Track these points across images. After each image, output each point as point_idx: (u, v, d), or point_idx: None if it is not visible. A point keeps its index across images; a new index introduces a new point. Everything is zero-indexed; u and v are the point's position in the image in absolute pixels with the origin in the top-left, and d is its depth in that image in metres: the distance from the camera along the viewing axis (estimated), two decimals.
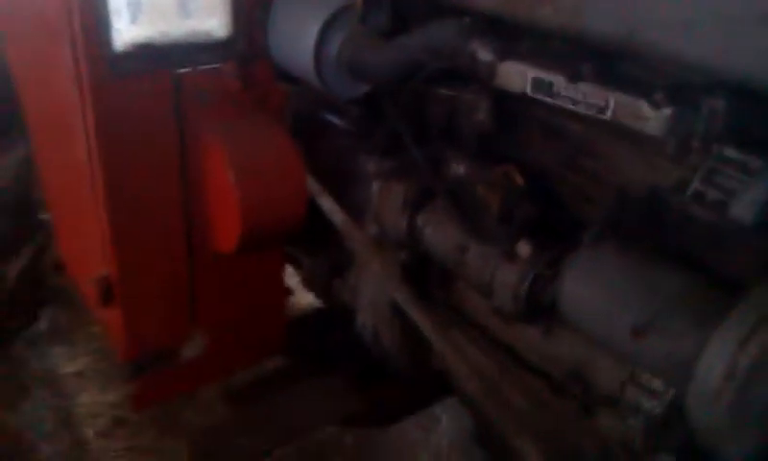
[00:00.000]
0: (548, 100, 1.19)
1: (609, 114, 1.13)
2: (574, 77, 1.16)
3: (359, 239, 1.54)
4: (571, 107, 1.16)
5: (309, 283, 1.96)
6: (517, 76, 1.23)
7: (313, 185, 1.69)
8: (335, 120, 1.85)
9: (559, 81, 1.18)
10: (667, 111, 1.09)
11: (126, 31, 1.41)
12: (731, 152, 1.07)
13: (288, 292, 1.95)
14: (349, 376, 1.84)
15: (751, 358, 0.86)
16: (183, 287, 1.69)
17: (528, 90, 1.21)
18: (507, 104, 1.30)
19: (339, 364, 1.86)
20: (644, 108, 1.10)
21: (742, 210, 1.06)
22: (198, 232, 1.65)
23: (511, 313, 1.37)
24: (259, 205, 1.55)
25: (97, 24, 1.38)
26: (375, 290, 1.62)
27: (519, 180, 1.30)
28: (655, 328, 1.00)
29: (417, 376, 1.73)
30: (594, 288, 1.12)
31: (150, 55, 1.44)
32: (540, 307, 1.34)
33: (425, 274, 1.60)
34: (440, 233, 1.49)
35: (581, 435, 1.33)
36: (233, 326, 1.82)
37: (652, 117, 1.10)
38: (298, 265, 2.00)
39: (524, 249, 1.27)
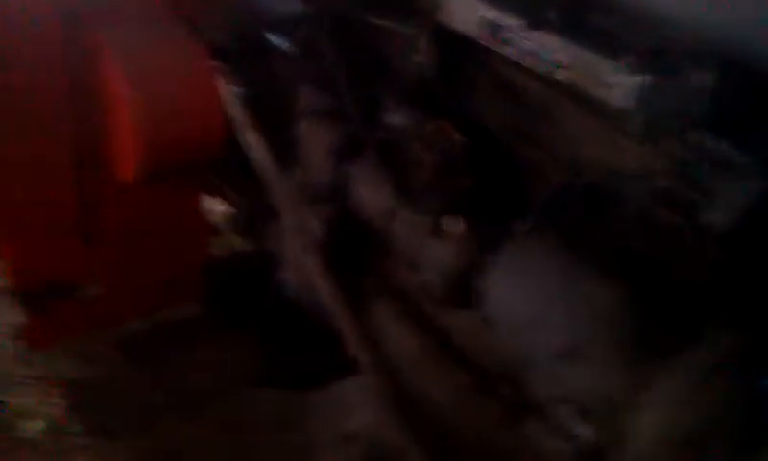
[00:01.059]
0: (498, 47, 0.95)
1: (565, 74, 0.90)
2: (534, 23, 0.92)
3: (278, 186, 1.32)
4: (521, 60, 0.92)
5: (236, 223, 1.74)
6: (465, 12, 0.98)
7: (237, 113, 1.45)
8: (279, 41, 1.60)
9: (513, 25, 0.93)
10: (637, 79, 0.85)
11: None
12: (711, 142, 0.84)
13: (209, 231, 1.73)
14: (268, 336, 1.64)
15: (692, 422, 0.66)
16: (73, 217, 1.47)
17: (476, 32, 0.97)
18: (452, 46, 1.05)
19: (258, 320, 1.66)
20: (608, 71, 0.87)
21: (717, 216, 0.84)
22: (96, 158, 1.42)
23: (437, 296, 1.16)
24: (161, 126, 1.32)
25: None
26: (299, 242, 1.41)
27: (455, 139, 1.07)
28: (579, 354, 0.80)
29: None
30: (517, 292, 0.91)
31: None
32: (471, 294, 1.14)
33: (353, 234, 1.39)
34: (368, 191, 1.26)
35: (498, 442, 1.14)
36: (140, 265, 1.61)
37: (616, 84, 0.86)
38: (226, 199, 1.78)
39: (456, 225, 1.05)
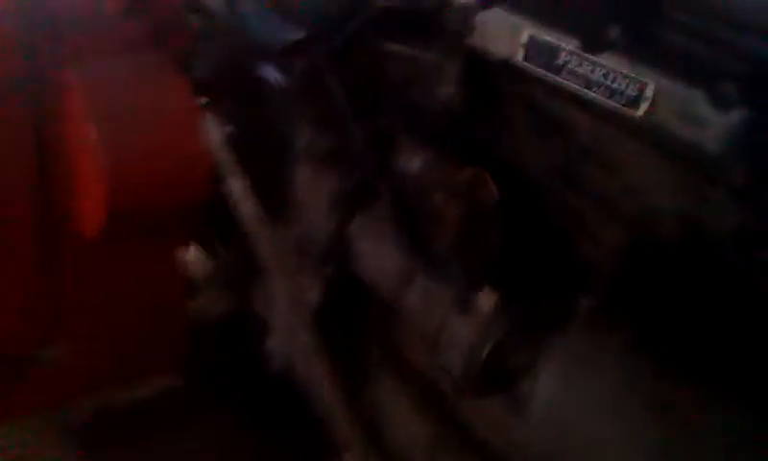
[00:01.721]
0: (549, 76, 0.75)
1: (642, 109, 0.69)
2: (594, 43, 0.72)
3: (268, 243, 1.10)
4: (583, 91, 0.72)
5: (221, 282, 1.52)
6: (506, 33, 0.78)
7: (223, 157, 1.25)
8: (273, 76, 1.40)
9: (568, 46, 0.74)
10: (737, 115, 0.65)
11: None
12: None
13: (192, 292, 1.51)
14: (252, 415, 1.41)
15: None
16: (34, 279, 1.25)
17: (519, 57, 0.77)
18: (487, 74, 0.86)
19: (242, 397, 1.42)
20: (701, 105, 0.67)
21: None
22: (60, 212, 1.21)
23: (460, 382, 0.94)
24: (132, 172, 1.12)
25: None
26: (291, 311, 1.19)
27: (493, 191, 0.86)
28: None
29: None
30: (582, 401, 0.69)
31: None
32: (501, 381, 0.92)
33: (356, 302, 1.17)
34: (377, 251, 1.05)
35: None
36: (113, 331, 1.39)
37: (706, 120, 0.66)
38: (213, 255, 1.56)
39: (486, 300, 0.84)
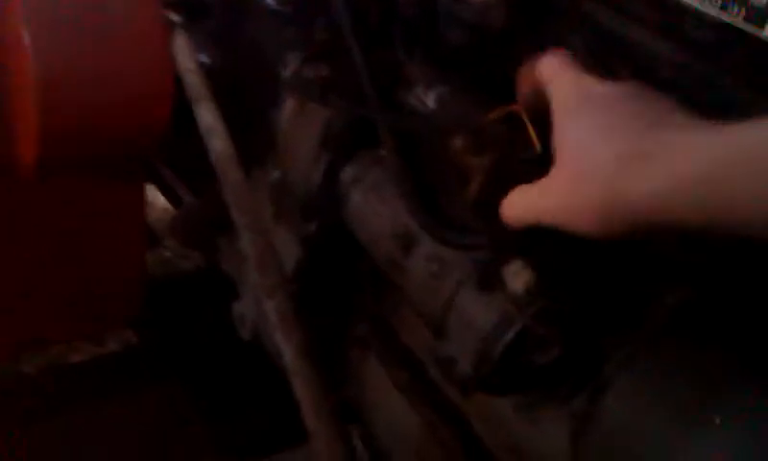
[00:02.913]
0: None
1: None
2: None
3: (239, 190, 0.90)
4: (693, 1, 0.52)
5: (185, 233, 1.31)
6: None
7: (194, 84, 1.04)
8: None
9: None
10: None
11: None
12: None
13: (150, 242, 1.31)
14: (210, 388, 1.21)
15: None
16: None
17: None
18: None
19: (201, 366, 1.23)
20: None
21: None
22: None
23: (468, 377, 0.75)
24: (76, 91, 0.90)
25: None
26: (261, 272, 0.99)
27: (532, 139, 0.65)
28: None
29: None
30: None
31: None
32: (518, 378, 0.73)
33: (345, 263, 0.97)
34: (374, 205, 0.85)
35: None
36: (54, 283, 1.19)
37: None
38: (176, 201, 1.35)
39: (518, 276, 0.64)
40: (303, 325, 0.77)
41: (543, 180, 0.53)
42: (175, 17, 1.18)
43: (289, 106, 0.95)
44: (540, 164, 0.62)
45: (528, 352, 0.71)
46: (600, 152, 0.48)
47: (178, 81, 1.06)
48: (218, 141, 0.96)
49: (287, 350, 0.75)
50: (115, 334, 1.36)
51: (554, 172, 0.52)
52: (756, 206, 0.39)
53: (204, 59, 1.22)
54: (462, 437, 0.92)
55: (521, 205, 0.56)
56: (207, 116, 1.00)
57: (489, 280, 0.67)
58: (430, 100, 0.78)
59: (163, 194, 1.35)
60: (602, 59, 0.63)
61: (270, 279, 0.79)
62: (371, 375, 1.04)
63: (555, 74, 0.55)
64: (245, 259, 1.02)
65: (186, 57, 1.10)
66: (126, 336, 1.37)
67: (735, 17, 0.50)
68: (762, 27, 0.49)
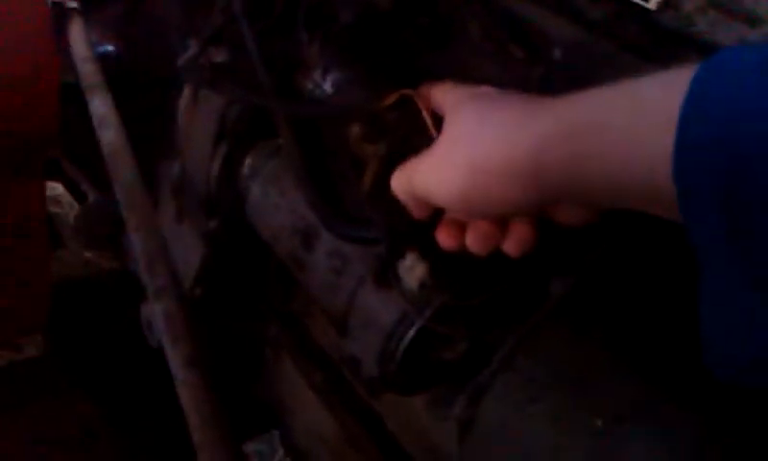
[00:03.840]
0: None
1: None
2: None
3: (129, 183, 0.83)
4: None
5: (90, 230, 1.23)
6: None
7: (86, 71, 0.97)
8: None
9: None
10: None
11: None
12: None
13: (55, 242, 1.23)
14: (118, 399, 1.14)
15: None
16: None
17: None
18: None
19: (109, 374, 1.16)
20: None
21: None
22: None
23: (373, 377, 0.71)
24: None
25: None
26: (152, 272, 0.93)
27: (428, 126, 0.62)
28: None
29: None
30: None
31: None
32: (425, 378, 0.69)
33: (249, 261, 0.92)
34: (275, 199, 0.80)
35: None
36: None
37: None
38: (79, 198, 1.27)
39: (412, 271, 0.60)
40: (194, 331, 0.72)
41: (422, 153, 0.52)
42: (71, 3, 1.11)
43: (185, 94, 0.89)
44: None
45: (433, 349, 0.68)
46: (477, 124, 0.47)
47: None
48: (110, 132, 0.89)
49: (173, 357, 0.69)
50: (21, 341, 1.28)
51: (433, 145, 0.51)
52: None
53: (106, 46, 1.16)
54: (377, 438, 0.88)
55: (401, 179, 0.54)
56: (100, 106, 0.93)
57: (386, 276, 0.64)
58: (327, 85, 0.73)
59: (68, 191, 1.27)
60: (496, 38, 0.59)
61: (158, 281, 0.73)
62: (286, 376, 0.99)
63: (445, 93, 0.56)
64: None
65: (81, 44, 1.03)
66: (33, 343, 1.29)
67: None
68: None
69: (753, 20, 0.43)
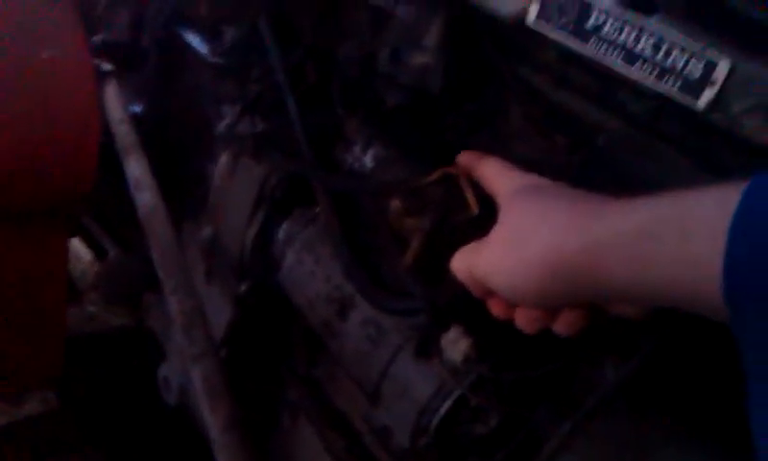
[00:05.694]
0: (574, 46, 0.54)
1: (705, 99, 0.49)
2: (642, 2, 0.51)
3: (167, 246, 0.85)
4: (622, 66, 0.51)
5: (110, 289, 1.24)
6: None
7: (123, 134, 0.99)
8: (197, 44, 1.16)
9: (607, 5, 0.53)
10: None
11: None
12: None
13: (73, 297, 1.24)
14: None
15: None
16: None
17: (531, 15, 0.56)
18: (481, 39, 0.64)
19: (124, 432, 1.15)
20: None
21: None
22: None
23: (404, 449, 0.71)
24: None
25: None
26: (189, 337, 0.93)
27: (470, 203, 0.64)
28: None
29: None
30: None
31: None
32: (457, 449, 0.70)
33: (277, 323, 0.93)
34: (309, 267, 0.81)
35: None
36: None
37: None
38: (102, 254, 1.28)
39: (456, 345, 0.62)
40: (233, 395, 0.72)
41: (483, 239, 0.53)
42: (106, 66, 1.15)
43: (223, 161, 0.92)
44: (477, 227, 0.60)
45: (465, 423, 0.69)
46: (539, 220, 0.49)
47: (107, 131, 1.03)
48: (146, 195, 0.91)
49: (213, 422, 0.70)
50: (35, 395, 1.28)
51: (494, 233, 0.52)
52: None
53: (138, 109, 1.19)
54: None
55: (462, 264, 0.55)
56: (136, 169, 0.96)
57: (427, 348, 0.65)
58: (368, 159, 0.76)
59: (88, 246, 1.28)
60: (540, 126, 0.62)
61: (198, 344, 0.74)
62: (304, 441, 0.99)
63: (496, 175, 0.57)
64: (172, 320, 0.98)
65: (116, 107, 1.06)
66: (46, 397, 1.28)
67: (671, 88, 0.50)
68: (697, 98, 0.49)
69: None
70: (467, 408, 0.66)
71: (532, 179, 0.55)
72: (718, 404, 0.48)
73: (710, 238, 0.37)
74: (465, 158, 0.62)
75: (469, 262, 0.54)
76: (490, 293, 0.54)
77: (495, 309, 0.54)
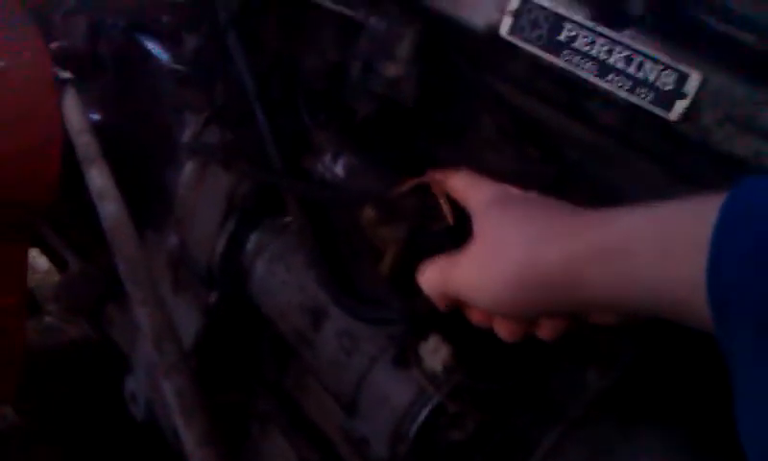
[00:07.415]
0: (547, 58, 0.55)
1: (677, 111, 0.50)
2: (611, 18, 0.52)
3: (131, 256, 0.84)
4: (594, 79, 0.53)
5: (71, 300, 1.21)
6: None
7: (84, 144, 0.97)
8: (157, 51, 1.14)
9: (575, 16, 0.54)
10: None
11: None
12: None
13: (33, 309, 1.21)
14: None
15: None
16: None
17: (504, 29, 0.56)
18: (453, 51, 0.65)
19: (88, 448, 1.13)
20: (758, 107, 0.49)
21: None
22: None
23: (381, 457, 0.71)
24: None
25: None
26: (157, 348, 0.92)
27: (444, 213, 0.64)
28: None
29: None
30: None
31: None
32: (434, 457, 0.70)
33: (247, 334, 0.92)
34: (281, 277, 0.81)
35: None
36: None
37: None
38: (61, 265, 1.25)
39: (436, 353, 0.62)
40: (207, 409, 0.71)
41: (458, 254, 0.53)
42: (65, 74, 1.12)
43: (188, 170, 0.90)
44: (452, 237, 0.61)
45: (443, 429, 0.69)
46: (514, 233, 0.49)
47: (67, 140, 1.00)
48: (110, 206, 0.90)
49: (188, 437, 0.69)
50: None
51: (469, 248, 0.52)
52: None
53: (96, 117, 1.17)
54: None
55: (434, 277, 0.55)
56: (99, 178, 0.94)
57: (405, 357, 0.65)
58: (339, 169, 0.76)
59: (47, 257, 1.25)
60: (511, 137, 0.63)
61: (168, 357, 0.73)
62: (274, 451, 0.98)
63: (467, 187, 0.57)
64: (138, 331, 0.96)
65: (77, 116, 1.04)
66: (4, 413, 1.25)
67: (643, 99, 0.51)
68: (669, 110, 0.50)
69: None
70: (445, 415, 0.67)
71: (503, 188, 0.55)
72: (706, 411, 0.50)
73: (691, 252, 0.38)
74: (436, 173, 0.62)
75: (444, 276, 0.54)
76: (461, 305, 0.54)
77: (475, 318, 0.54)
